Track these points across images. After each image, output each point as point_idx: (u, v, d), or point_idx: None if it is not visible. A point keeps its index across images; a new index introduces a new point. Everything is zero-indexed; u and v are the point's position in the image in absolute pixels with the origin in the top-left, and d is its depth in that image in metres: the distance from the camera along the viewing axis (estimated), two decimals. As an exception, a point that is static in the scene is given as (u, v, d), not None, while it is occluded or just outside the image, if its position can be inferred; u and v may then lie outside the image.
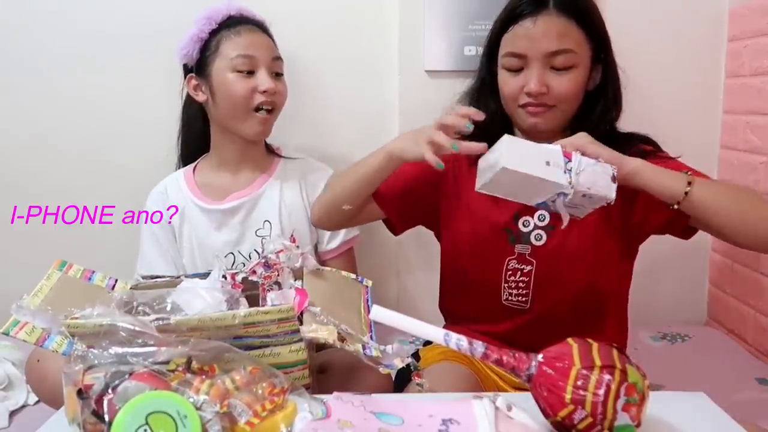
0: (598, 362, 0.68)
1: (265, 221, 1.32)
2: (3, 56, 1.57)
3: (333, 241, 1.38)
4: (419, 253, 1.63)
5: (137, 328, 0.71)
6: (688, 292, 1.70)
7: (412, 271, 1.65)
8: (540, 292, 1.12)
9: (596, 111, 1.11)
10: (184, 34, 1.31)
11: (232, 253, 1.31)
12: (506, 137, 0.93)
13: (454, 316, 1.27)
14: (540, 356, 0.72)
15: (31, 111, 1.59)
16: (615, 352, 0.70)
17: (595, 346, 0.71)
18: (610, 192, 0.92)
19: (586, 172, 0.92)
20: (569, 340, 0.72)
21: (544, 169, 0.91)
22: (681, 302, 1.69)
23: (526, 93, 1.08)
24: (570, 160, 0.92)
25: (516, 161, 0.91)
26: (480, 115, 0.99)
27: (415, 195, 1.18)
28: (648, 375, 0.72)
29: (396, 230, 1.24)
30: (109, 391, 0.65)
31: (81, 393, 0.66)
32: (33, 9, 1.55)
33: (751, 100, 1.50)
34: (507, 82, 1.11)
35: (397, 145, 1.05)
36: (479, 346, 0.73)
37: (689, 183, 0.94)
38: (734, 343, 1.55)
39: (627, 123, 1.18)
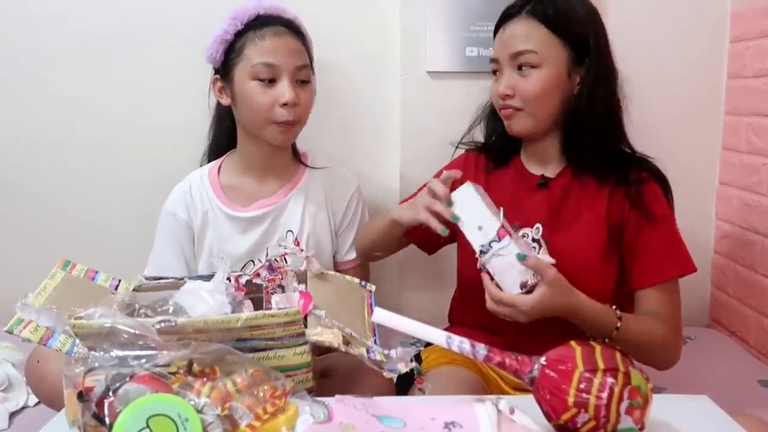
0: (601, 365, 0.68)
1: (288, 231, 1.30)
2: (6, 57, 1.56)
3: (351, 252, 1.37)
4: (420, 257, 1.63)
5: (138, 332, 0.70)
6: (689, 293, 1.67)
7: (412, 274, 1.65)
8: None
9: (578, 115, 1.10)
10: (199, 29, 1.28)
11: (252, 261, 1.30)
12: (466, 186, 1.00)
13: (457, 323, 1.28)
14: (543, 359, 0.72)
15: (39, 112, 1.58)
16: (618, 355, 0.70)
17: (598, 348, 0.70)
18: (513, 290, 0.96)
19: (501, 259, 0.95)
20: (572, 342, 0.72)
21: (472, 230, 0.98)
22: (683, 304, 1.68)
23: (498, 96, 1.14)
24: (500, 240, 0.95)
25: (458, 211, 0.99)
26: (457, 173, 1.03)
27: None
28: (650, 377, 0.71)
29: (428, 253, 1.36)
30: (110, 393, 0.65)
31: (82, 396, 0.66)
32: (37, 10, 1.54)
33: (753, 101, 1.49)
34: (491, 88, 1.17)
35: (397, 213, 1.12)
36: (482, 349, 0.72)
37: (608, 339, 1.01)
38: (736, 345, 1.55)
39: (628, 125, 1.17)
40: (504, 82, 1.11)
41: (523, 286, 0.95)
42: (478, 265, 0.98)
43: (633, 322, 1.05)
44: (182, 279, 1.04)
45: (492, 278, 0.98)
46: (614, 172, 1.11)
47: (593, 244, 1.09)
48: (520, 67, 1.10)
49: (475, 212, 0.97)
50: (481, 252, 0.96)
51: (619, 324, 1.01)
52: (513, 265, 0.95)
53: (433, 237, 1.25)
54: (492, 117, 1.23)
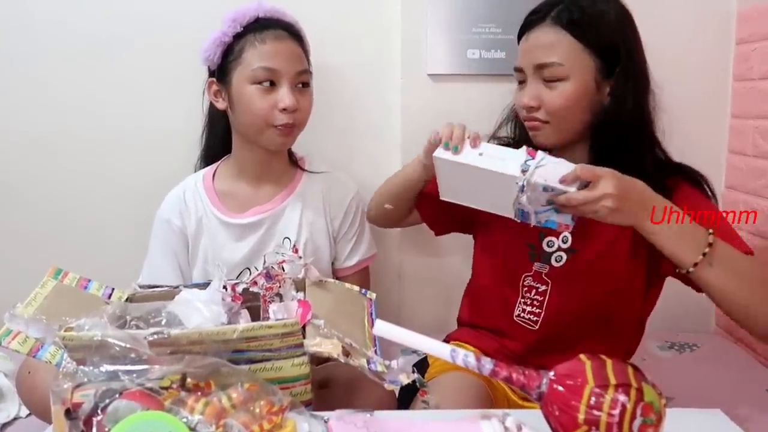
0: (612, 381, 0.65)
1: (285, 238, 1.28)
2: (3, 59, 1.54)
3: (350, 258, 1.34)
4: (421, 260, 1.61)
5: (128, 345, 0.67)
6: (694, 299, 1.65)
7: (413, 278, 1.63)
8: (551, 315, 1.10)
9: (606, 128, 1.05)
10: (195, 30, 1.25)
11: (248, 269, 1.27)
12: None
13: (467, 325, 1.26)
14: (551, 373, 0.69)
15: (32, 114, 1.56)
16: (630, 370, 0.67)
17: (609, 363, 0.68)
18: (570, 188, 0.88)
19: (545, 167, 0.89)
20: (581, 356, 0.69)
21: (494, 162, 0.91)
22: (688, 310, 1.66)
23: (522, 107, 1.08)
24: (533, 158, 0.90)
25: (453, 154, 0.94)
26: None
27: (452, 206, 1.19)
28: (657, 386, 0.68)
29: (435, 233, 1.32)
30: (99, 411, 0.62)
31: (69, 413, 0.63)
32: (31, 12, 1.52)
33: (760, 104, 1.47)
34: (515, 97, 1.11)
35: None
36: (487, 363, 0.70)
37: (701, 258, 0.90)
38: (743, 352, 1.52)
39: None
40: (529, 93, 1.05)
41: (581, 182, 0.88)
42: (516, 204, 0.91)
43: (733, 249, 0.92)
44: (177, 287, 1.01)
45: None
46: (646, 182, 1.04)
47: (620, 252, 1.05)
48: (545, 78, 1.04)
49: (493, 151, 0.94)
50: (522, 171, 0.88)
51: (711, 235, 0.90)
52: (559, 168, 0.88)
53: (445, 218, 1.26)
54: (518, 123, 1.18)
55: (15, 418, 1.26)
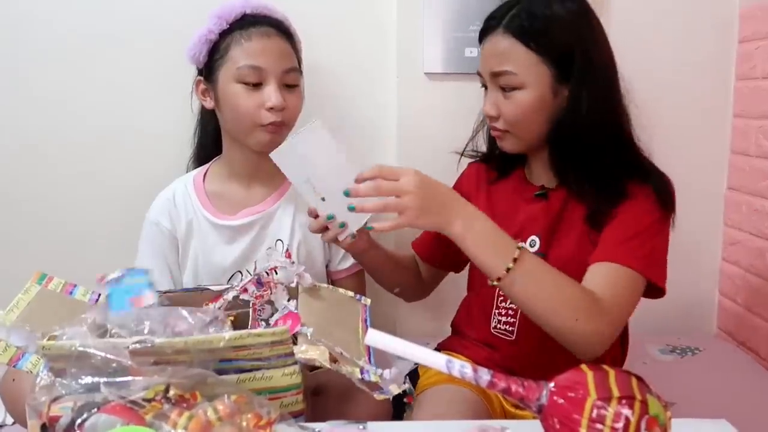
0: (615, 393, 0.62)
1: (277, 240, 1.25)
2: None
3: (345, 261, 1.31)
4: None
5: (109, 355, 0.64)
6: (696, 302, 1.64)
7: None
8: (526, 324, 1.06)
9: (563, 133, 1.02)
10: (185, 28, 1.22)
11: (239, 272, 1.24)
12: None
13: (459, 334, 1.24)
14: (551, 385, 0.66)
15: (18, 115, 1.52)
16: (634, 381, 0.64)
17: (611, 374, 0.65)
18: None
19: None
20: (583, 367, 0.67)
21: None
22: (689, 313, 1.64)
23: (484, 115, 1.08)
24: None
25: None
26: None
27: (442, 243, 1.16)
28: (659, 391, 0.66)
29: (456, 272, 1.32)
30: (76, 427, 0.59)
31: (45, 428, 0.60)
32: (17, 10, 1.48)
33: (763, 103, 1.44)
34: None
35: None
36: (485, 374, 0.67)
37: (508, 270, 0.88)
38: (746, 356, 1.49)
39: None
40: (488, 101, 1.05)
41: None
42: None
43: (541, 264, 0.92)
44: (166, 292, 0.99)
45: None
46: (605, 189, 1.02)
47: (583, 258, 1.02)
48: (502, 87, 1.03)
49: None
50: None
51: (519, 250, 0.88)
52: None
53: (450, 255, 1.20)
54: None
55: (1, 426, 1.22)
